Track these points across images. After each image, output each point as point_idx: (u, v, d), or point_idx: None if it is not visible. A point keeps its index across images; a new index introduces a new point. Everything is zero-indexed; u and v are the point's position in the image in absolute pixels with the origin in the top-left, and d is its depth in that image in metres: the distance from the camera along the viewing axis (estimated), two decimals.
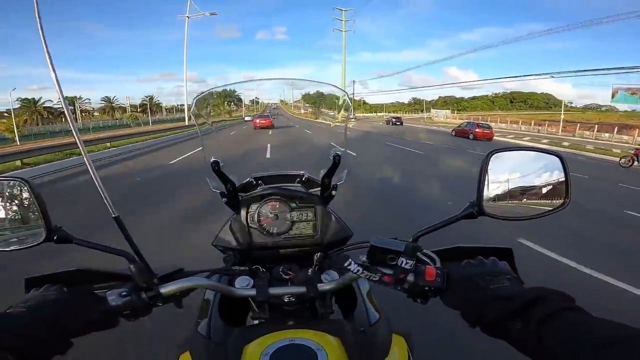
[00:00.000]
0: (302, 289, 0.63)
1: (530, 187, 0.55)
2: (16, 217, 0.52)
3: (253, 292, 0.62)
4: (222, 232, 0.80)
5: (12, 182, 0.51)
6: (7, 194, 0.52)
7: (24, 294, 0.55)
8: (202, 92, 0.75)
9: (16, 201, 0.52)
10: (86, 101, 61.04)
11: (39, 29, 0.51)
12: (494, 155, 0.53)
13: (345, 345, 0.56)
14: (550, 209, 0.55)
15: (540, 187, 0.55)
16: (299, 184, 0.85)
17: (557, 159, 0.55)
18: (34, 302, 0.49)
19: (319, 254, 0.69)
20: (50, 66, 0.50)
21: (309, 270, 0.67)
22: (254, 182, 0.83)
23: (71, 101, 56.54)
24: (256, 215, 0.78)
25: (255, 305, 0.70)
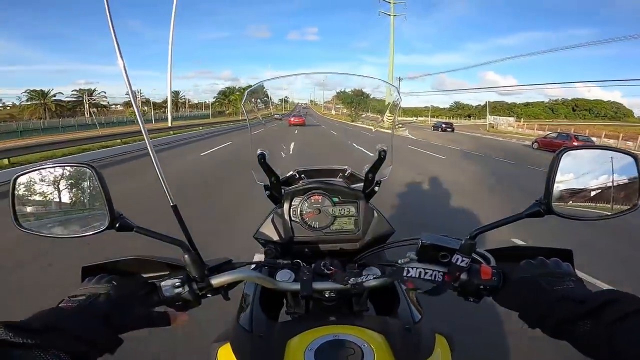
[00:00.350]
0: (347, 285, 0.62)
1: (600, 187, 0.53)
2: (80, 204, 0.53)
3: (297, 286, 0.62)
4: (264, 225, 0.80)
5: (79, 168, 0.51)
6: (73, 180, 0.52)
7: (80, 282, 0.55)
8: (253, 85, 0.75)
9: (82, 188, 0.52)
10: (101, 94, 59.45)
11: (110, 24, 0.51)
12: (565, 154, 0.51)
13: (390, 342, 0.55)
14: (621, 210, 0.53)
15: (611, 188, 0.53)
16: (342, 179, 0.85)
17: (631, 160, 0.53)
18: (86, 298, 0.48)
19: (361, 249, 0.69)
20: (120, 60, 0.50)
21: (351, 266, 0.66)
22: (297, 176, 0.82)
23: (82, 93, 55.59)
24: (299, 209, 0.78)
25: (291, 299, 0.69)
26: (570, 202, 0.53)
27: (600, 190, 0.53)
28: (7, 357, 0.35)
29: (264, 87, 0.80)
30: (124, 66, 0.51)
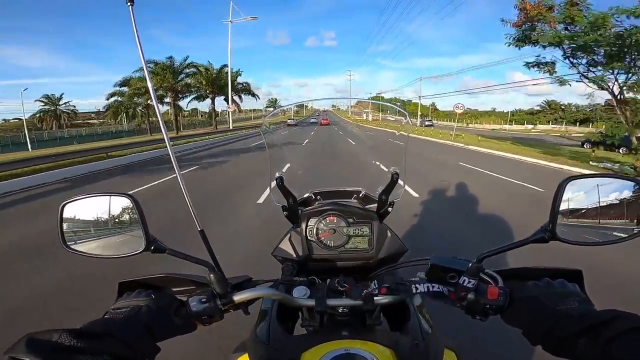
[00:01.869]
0: (359, 302, 0.66)
1: (604, 213, 0.55)
2: (120, 228, 0.59)
3: (312, 302, 0.65)
4: (282, 243, 0.84)
5: (120, 197, 0.58)
6: (114, 207, 0.58)
7: (116, 297, 0.61)
8: (269, 114, 0.80)
9: (121, 214, 0.58)
10: (67, 105, 46.52)
11: (136, 36, 0.57)
12: (570, 182, 0.54)
13: (399, 357, 0.58)
14: (626, 235, 0.54)
15: (616, 214, 0.55)
16: (356, 200, 0.88)
17: (634, 185, 0.55)
18: (129, 308, 0.54)
19: (375, 267, 0.72)
20: (145, 69, 0.57)
21: (364, 284, 0.69)
22: (314, 197, 0.87)
23: (54, 103, 44.90)
24: (315, 229, 0.82)
25: (307, 313, 0.73)
26: (575, 228, 0.55)
27: (604, 216, 0.55)
28: None
29: (278, 114, 0.85)
30: (149, 78, 0.58)
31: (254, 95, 35.38)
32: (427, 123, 40.55)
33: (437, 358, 0.64)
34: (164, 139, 0.61)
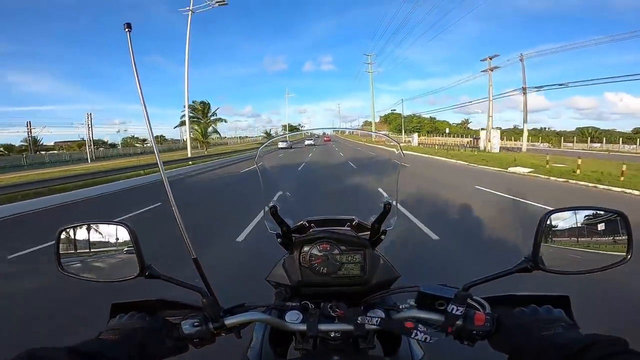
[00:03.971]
0: (350, 327, 0.66)
1: (588, 243, 0.57)
2: (115, 254, 0.60)
3: (304, 327, 0.66)
4: (275, 268, 0.85)
5: (116, 225, 0.59)
6: (110, 234, 0.60)
7: (109, 318, 0.63)
8: (264, 145, 0.83)
9: (117, 241, 0.60)
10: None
11: (132, 61, 0.58)
12: (552, 215, 0.56)
13: None
14: (608, 264, 0.56)
15: (599, 243, 0.57)
16: (349, 228, 0.90)
17: (616, 217, 0.56)
18: (124, 330, 0.56)
19: (367, 293, 0.73)
20: (140, 97, 0.59)
21: (356, 310, 0.70)
22: (307, 225, 0.88)
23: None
24: (308, 256, 0.82)
25: (300, 337, 0.74)
26: (558, 257, 0.57)
27: (587, 246, 0.57)
28: None
29: (272, 145, 0.88)
30: (145, 107, 0.59)
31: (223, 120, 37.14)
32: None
33: None
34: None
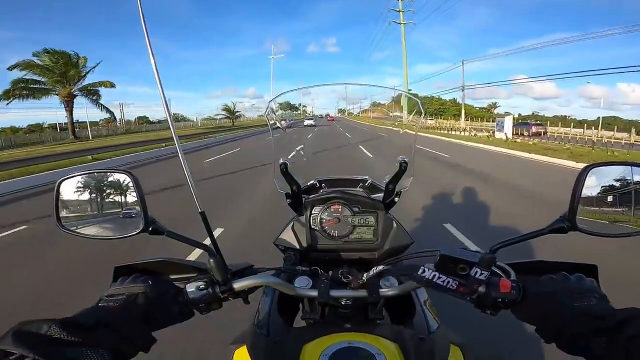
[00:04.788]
0: (363, 293, 0.63)
1: (627, 203, 0.52)
2: (118, 208, 0.56)
3: (315, 293, 0.63)
4: (284, 232, 0.82)
5: (119, 174, 0.55)
6: (112, 185, 0.56)
7: (111, 282, 0.59)
8: (276, 96, 0.78)
9: (119, 193, 0.56)
10: None
11: (148, 46, 0.55)
12: (591, 170, 0.51)
13: (404, 351, 0.56)
14: None
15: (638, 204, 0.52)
16: (362, 189, 0.86)
17: None
18: (125, 296, 0.51)
19: (379, 259, 0.69)
20: (157, 79, 0.55)
21: (369, 275, 0.67)
22: (318, 185, 0.84)
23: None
24: (319, 218, 0.80)
25: (307, 305, 0.71)
26: (596, 218, 0.53)
27: (626, 207, 0.52)
28: (61, 354, 0.38)
29: (284, 98, 0.83)
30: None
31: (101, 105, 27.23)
32: None
33: (443, 354, 0.62)
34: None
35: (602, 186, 0.52)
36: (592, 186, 0.52)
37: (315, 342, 0.57)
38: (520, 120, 30.95)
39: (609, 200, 0.53)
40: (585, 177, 0.51)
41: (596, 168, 0.52)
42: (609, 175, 0.53)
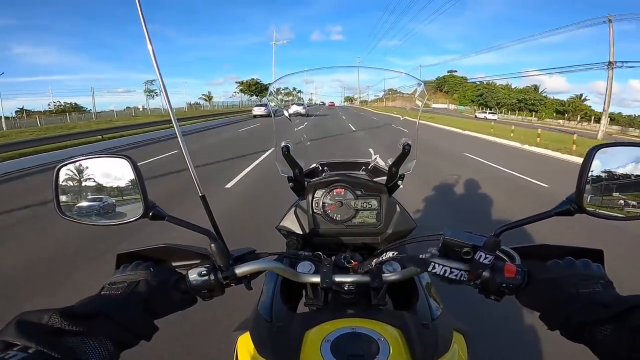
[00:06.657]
0: (366, 279, 0.63)
1: (637, 185, 0.51)
2: (117, 193, 0.56)
3: (317, 278, 0.63)
4: (286, 217, 0.81)
5: (118, 159, 0.54)
6: (111, 171, 0.55)
7: (114, 269, 0.58)
8: (278, 79, 0.76)
9: (119, 178, 0.55)
10: None
11: (146, 35, 0.53)
12: (599, 151, 0.50)
13: (407, 337, 0.55)
14: None
15: None
16: (365, 172, 0.85)
17: None
18: (126, 284, 0.51)
19: (382, 244, 0.69)
20: (155, 64, 0.53)
21: (372, 260, 0.67)
22: (320, 168, 0.83)
23: None
24: (321, 202, 0.79)
25: (310, 291, 0.71)
26: (603, 201, 0.51)
27: (636, 189, 0.51)
28: (62, 344, 0.38)
29: (287, 82, 0.81)
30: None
31: None
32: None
33: (446, 340, 0.62)
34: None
35: (611, 168, 0.51)
36: (600, 167, 0.50)
37: (319, 328, 0.57)
38: None
39: (617, 182, 0.51)
40: (593, 158, 0.49)
41: (605, 149, 0.50)
42: (618, 156, 0.51)
